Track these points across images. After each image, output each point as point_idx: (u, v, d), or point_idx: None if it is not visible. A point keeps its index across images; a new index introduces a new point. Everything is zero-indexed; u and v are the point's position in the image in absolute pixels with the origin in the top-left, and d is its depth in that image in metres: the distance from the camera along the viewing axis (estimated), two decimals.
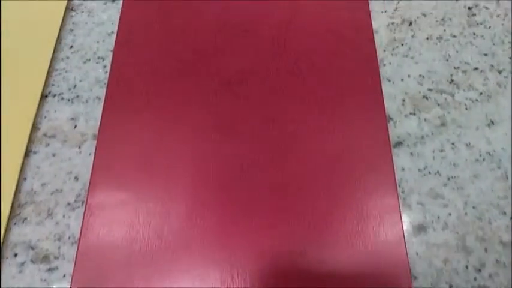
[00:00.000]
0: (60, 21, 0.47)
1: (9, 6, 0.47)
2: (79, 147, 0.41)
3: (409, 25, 0.45)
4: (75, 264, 0.36)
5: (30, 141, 0.41)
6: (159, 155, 0.39)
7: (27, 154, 0.40)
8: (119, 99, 0.43)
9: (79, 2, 0.49)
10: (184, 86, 0.43)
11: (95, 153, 0.40)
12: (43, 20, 0.47)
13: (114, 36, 0.46)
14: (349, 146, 0.39)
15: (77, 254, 0.36)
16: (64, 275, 0.36)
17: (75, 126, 0.42)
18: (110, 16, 0.48)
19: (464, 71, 0.43)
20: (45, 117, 0.42)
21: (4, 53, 0.44)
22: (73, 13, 0.48)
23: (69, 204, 0.39)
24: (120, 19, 0.47)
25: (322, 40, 0.44)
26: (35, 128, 0.42)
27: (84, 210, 0.37)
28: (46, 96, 0.43)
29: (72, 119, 0.42)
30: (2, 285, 0.36)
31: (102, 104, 0.42)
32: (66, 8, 0.48)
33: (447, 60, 0.43)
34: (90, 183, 0.38)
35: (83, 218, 0.37)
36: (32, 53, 0.45)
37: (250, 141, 0.40)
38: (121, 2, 0.48)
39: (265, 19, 0.46)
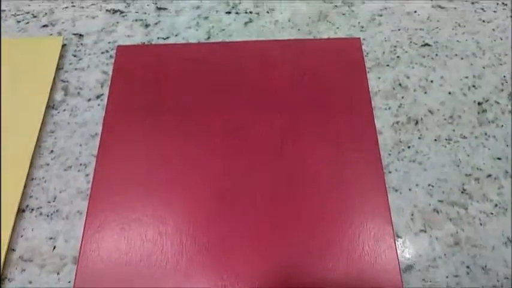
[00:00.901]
0: (40, 121, 0.43)
1: None
2: (58, 273, 0.37)
3: (415, 124, 0.42)
4: None
5: (5, 265, 0.37)
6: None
7: (1, 282, 0.36)
8: (101, 214, 0.38)
9: (61, 98, 0.45)
10: (177, 194, 0.40)
11: (75, 280, 0.36)
12: (22, 120, 0.43)
13: (97, 139, 0.42)
14: (356, 271, 0.35)
15: None
16: None
17: (54, 248, 0.38)
18: (93, 115, 0.44)
19: (477, 179, 0.39)
20: (21, 236, 0.38)
21: None
22: (54, 111, 0.44)
23: None
24: (104, 119, 0.43)
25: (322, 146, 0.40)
26: (9, 249, 0.37)
27: None
28: (23, 211, 0.39)
29: (50, 238, 0.38)
30: None
31: (84, 220, 0.38)
32: (47, 106, 0.44)
33: (458, 166, 0.40)
34: None
35: None
36: (8, 158, 0.41)
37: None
38: (106, 99, 0.44)
39: (263, 122, 0.42)
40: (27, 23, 0.51)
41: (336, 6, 0.51)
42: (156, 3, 0.52)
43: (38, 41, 0.49)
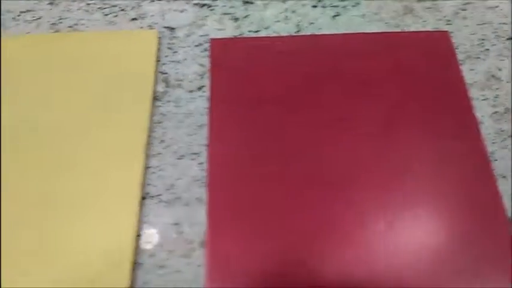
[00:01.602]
0: (149, 112, 0.44)
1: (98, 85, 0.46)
2: (187, 257, 0.38)
3: None
4: None
5: (135, 251, 0.39)
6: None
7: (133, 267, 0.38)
8: (221, 201, 0.40)
9: (164, 90, 0.47)
10: (287, 182, 0.42)
11: (206, 263, 0.38)
12: (131, 110, 0.44)
13: (205, 129, 0.44)
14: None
15: None
16: None
17: (180, 233, 0.39)
18: (197, 106, 0.45)
19: None
20: (145, 222, 0.40)
21: (96, 145, 0.44)
22: (159, 102, 0.46)
23: None
24: (210, 110, 0.45)
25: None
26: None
27: None
28: (144, 198, 0.41)
29: (175, 224, 0.40)
30: None
31: (205, 207, 0.40)
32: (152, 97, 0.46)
33: None
34: None
35: None
36: (123, 148, 0.42)
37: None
38: (207, 91, 0.46)
39: (362, 114, 0.44)
40: (116, 16, 0.53)
41: (419, 0, 0.52)
42: None
43: (134, 34, 0.50)
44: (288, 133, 0.44)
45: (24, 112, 0.45)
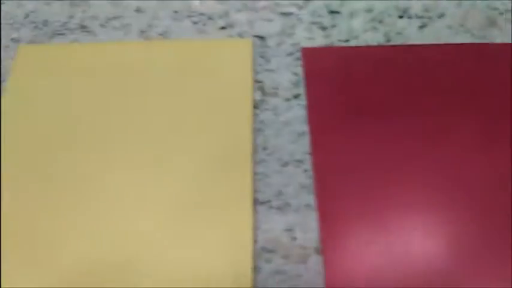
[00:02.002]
0: (251, 120, 0.45)
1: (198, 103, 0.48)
2: (304, 263, 0.39)
3: None
4: None
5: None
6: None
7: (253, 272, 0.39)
8: (331, 207, 0.41)
9: (260, 98, 0.48)
10: (391, 191, 0.43)
11: (325, 269, 0.39)
12: (233, 118, 0.45)
13: (306, 137, 0.45)
14: None
15: None
16: None
17: (294, 239, 0.40)
18: (295, 115, 0.46)
19: None
20: (258, 228, 0.41)
21: (202, 152, 0.45)
22: (257, 111, 0.47)
23: None
24: (309, 119, 0.47)
25: None
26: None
27: None
28: (254, 205, 0.42)
29: (287, 229, 0.41)
30: None
31: (315, 213, 0.42)
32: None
33: None
34: None
35: None
36: (231, 155, 0.43)
37: None
38: (304, 100, 0.48)
39: (461, 125, 0.46)
40: (204, 24, 0.53)
41: (501, 13, 0.54)
42: (327, 7, 0.54)
43: (228, 43, 0.51)
44: (389, 141, 0.45)
45: (121, 120, 0.47)
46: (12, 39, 0.53)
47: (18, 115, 0.46)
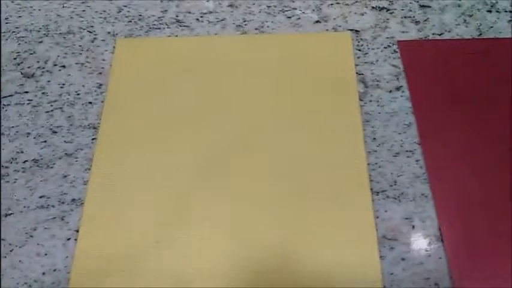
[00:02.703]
0: (359, 112, 0.46)
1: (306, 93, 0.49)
2: (426, 251, 0.40)
3: None
4: None
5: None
6: None
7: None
8: (448, 196, 0.42)
9: (363, 90, 0.49)
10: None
11: (447, 258, 0.40)
12: (342, 110, 0.47)
13: (413, 128, 0.46)
14: None
15: None
16: None
17: (413, 227, 0.41)
18: (400, 106, 0.48)
19: None
20: (377, 217, 0.42)
21: (315, 144, 0.47)
22: (361, 102, 0.48)
23: None
24: (415, 109, 0.48)
25: None
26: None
27: None
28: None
29: (406, 218, 0.42)
30: None
31: (432, 201, 0.43)
32: None
33: None
34: None
35: None
36: (344, 146, 0.44)
37: None
38: (407, 91, 0.49)
39: None
40: (299, 18, 0.55)
41: None
42: (418, 1, 0.55)
43: (327, 37, 0.52)
44: (493, 127, 0.46)
45: (222, 112, 0.49)
46: (108, 33, 0.54)
47: (122, 105, 0.49)
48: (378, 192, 0.43)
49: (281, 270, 0.40)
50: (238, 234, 0.42)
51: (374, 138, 0.46)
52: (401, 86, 0.49)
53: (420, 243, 0.41)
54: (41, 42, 0.54)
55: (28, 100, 0.50)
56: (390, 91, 0.49)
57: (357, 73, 0.50)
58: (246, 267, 0.40)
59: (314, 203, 0.42)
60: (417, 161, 0.45)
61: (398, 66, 0.50)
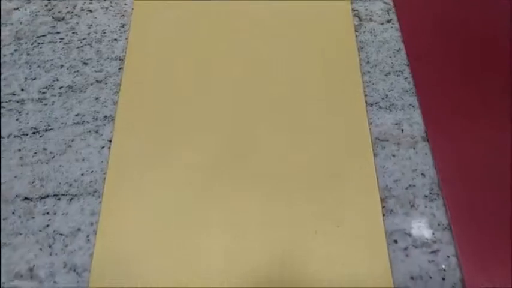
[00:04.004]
0: (354, 40, 0.53)
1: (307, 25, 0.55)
2: (414, 148, 0.47)
3: None
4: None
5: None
6: None
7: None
8: (433, 104, 0.49)
9: (358, 23, 0.56)
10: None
11: (432, 154, 0.46)
12: (337, 37, 0.53)
13: (403, 53, 0.53)
14: None
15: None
16: (448, 256, 0.42)
17: (402, 130, 0.48)
18: (391, 35, 0.54)
19: None
20: (371, 123, 0.49)
21: (317, 66, 0.53)
22: (356, 33, 0.55)
23: (426, 196, 0.45)
24: (403, 38, 0.55)
25: None
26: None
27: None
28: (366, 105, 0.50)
29: (396, 123, 0.49)
30: (393, 268, 0.42)
31: (419, 110, 0.49)
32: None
33: None
34: (440, 178, 0.45)
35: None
36: (340, 67, 0.51)
37: None
38: (397, 23, 0.56)
39: None
40: None
41: None
42: None
43: None
44: (475, 48, 0.53)
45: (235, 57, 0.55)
46: None
47: (144, 41, 0.56)
48: (371, 104, 0.50)
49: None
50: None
51: (368, 62, 0.53)
52: (391, 19, 0.56)
53: (408, 143, 0.48)
54: None
55: (60, 39, 0.57)
56: (382, 23, 0.56)
57: (352, 9, 0.57)
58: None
59: (316, 112, 0.48)
60: (406, 78, 0.52)
61: (388, 3, 0.57)
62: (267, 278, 0.41)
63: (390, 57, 0.52)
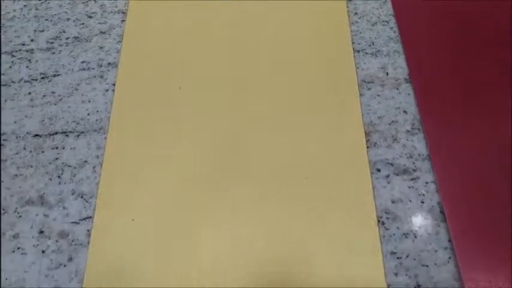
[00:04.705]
0: None
1: None
2: (397, 89, 0.51)
3: None
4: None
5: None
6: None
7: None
8: (416, 49, 0.53)
9: None
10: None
11: (415, 93, 0.50)
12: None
13: (389, 4, 0.57)
14: None
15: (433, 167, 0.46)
16: (427, 183, 0.46)
17: (387, 74, 0.52)
18: None
19: None
20: (357, 67, 0.53)
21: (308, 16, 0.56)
22: None
23: (408, 131, 0.49)
24: None
25: None
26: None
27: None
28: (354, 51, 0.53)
29: (381, 67, 0.53)
30: (376, 193, 0.45)
31: (403, 56, 0.53)
32: None
33: None
34: (421, 114, 0.49)
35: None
36: (329, 19, 0.55)
37: None
38: None
39: None
40: None
41: None
42: None
43: None
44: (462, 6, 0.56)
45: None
46: None
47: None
48: (358, 51, 0.54)
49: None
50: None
51: (356, 13, 0.57)
52: None
53: (392, 84, 0.51)
54: None
55: None
56: None
57: None
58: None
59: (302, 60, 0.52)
60: (391, 28, 0.55)
61: None
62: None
63: (377, 8, 0.56)
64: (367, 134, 0.47)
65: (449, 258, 0.41)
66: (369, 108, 0.49)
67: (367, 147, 0.47)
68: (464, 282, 0.39)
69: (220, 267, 0.41)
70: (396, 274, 0.40)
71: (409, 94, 0.50)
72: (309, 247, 0.42)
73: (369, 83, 0.51)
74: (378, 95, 0.50)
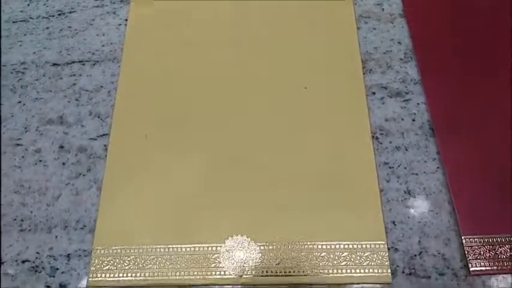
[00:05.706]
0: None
1: None
2: (392, 23, 0.55)
3: None
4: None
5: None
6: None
7: None
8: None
9: None
10: None
11: (408, 27, 0.54)
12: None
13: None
14: None
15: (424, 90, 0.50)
16: (418, 104, 0.50)
17: (383, 9, 0.56)
18: None
19: None
20: (355, 3, 0.56)
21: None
22: None
23: (401, 59, 0.53)
24: None
25: None
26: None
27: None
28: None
29: (378, 4, 0.56)
30: (370, 113, 0.49)
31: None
32: None
33: None
34: (414, 44, 0.52)
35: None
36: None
37: None
38: None
39: None
40: None
41: None
42: None
43: None
44: None
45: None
46: None
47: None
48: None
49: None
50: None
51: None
52: None
53: (388, 18, 0.55)
54: None
55: None
56: None
57: None
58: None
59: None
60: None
61: None
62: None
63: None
64: (363, 62, 0.51)
65: (437, 168, 0.45)
66: (366, 40, 0.53)
67: (364, 74, 0.50)
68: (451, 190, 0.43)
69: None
70: (388, 181, 0.44)
71: (403, 27, 0.54)
72: (309, 156, 0.46)
73: (365, 17, 0.55)
74: (374, 28, 0.54)
